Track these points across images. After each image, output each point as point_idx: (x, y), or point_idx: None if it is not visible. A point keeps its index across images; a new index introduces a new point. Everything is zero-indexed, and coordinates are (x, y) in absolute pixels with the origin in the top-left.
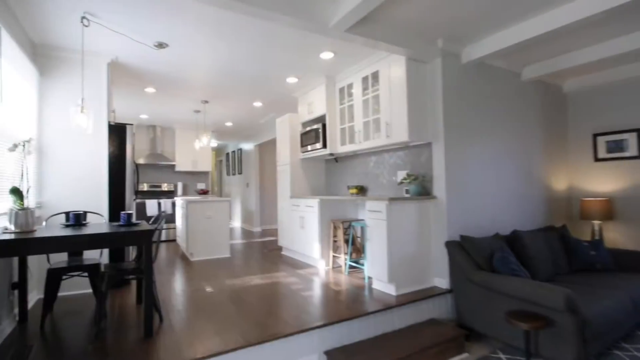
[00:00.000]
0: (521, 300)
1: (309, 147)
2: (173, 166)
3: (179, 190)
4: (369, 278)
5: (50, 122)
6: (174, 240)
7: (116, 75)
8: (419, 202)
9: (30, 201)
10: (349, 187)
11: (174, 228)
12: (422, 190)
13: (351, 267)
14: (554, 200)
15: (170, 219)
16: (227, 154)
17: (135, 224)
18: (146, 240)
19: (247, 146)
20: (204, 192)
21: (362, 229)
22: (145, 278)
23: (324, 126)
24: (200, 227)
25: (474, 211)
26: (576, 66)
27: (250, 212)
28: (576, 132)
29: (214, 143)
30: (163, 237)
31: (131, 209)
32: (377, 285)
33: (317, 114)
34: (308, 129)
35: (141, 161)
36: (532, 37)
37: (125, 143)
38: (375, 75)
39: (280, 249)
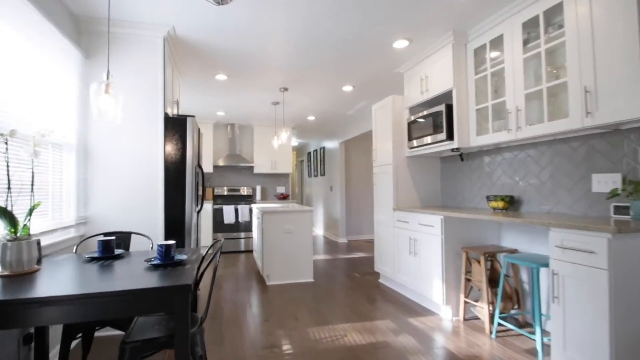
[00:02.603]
0: None
1: (416, 142)
2: (252, 168)
3: (258, 195)
4: None
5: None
6: (252, 251)
7: (179, 56)
8: None
9: (70, 216)
10: (489, 199)
11: (252, 237)
12: None
13: (500, 324)
14: None
15: (249, 226)
16: (309, 153)
17: (177, 263)
18: (179, 303)
19: (331, 144)
20: (283, 197)
21: (514, 267)
22: None
23: (448, 108)
24: (277, 243)
25: None
26: None
27: (335, 220)
28: None
29: (295, 142)
30: (242, 248)
31: (191, 223)
32: None
33: (436, 91)
34: (420, 115)
35: (220, 163)
36: None
37: (185, 140)
38: (551, 15)
39: (376, 275)
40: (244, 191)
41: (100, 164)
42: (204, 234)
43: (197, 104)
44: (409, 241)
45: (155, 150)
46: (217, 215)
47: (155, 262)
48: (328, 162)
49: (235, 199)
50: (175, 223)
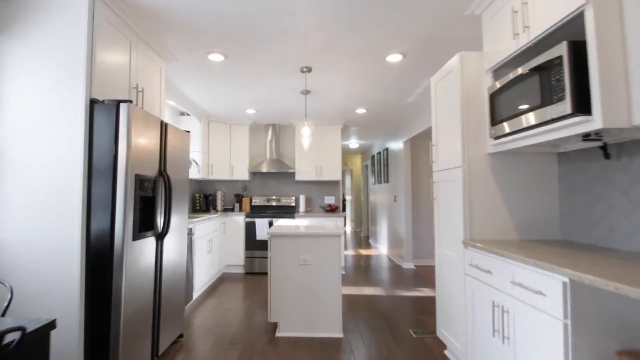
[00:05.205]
0: None
1: (507, 126)
2: (294, 174)
3: (301, 205)
4: None
5: (11, 108)
6: None
7: (145, 29)
8: None
9: None
10: None
11: None
12: None
13: None
14: None
15: None
16: (372, 156)
17: None
18: None
19: (395, 144)
20: (331, 209)
21: None
22: None
23: (574, 50)
24: (290, 279)
25: None
26: None
27: (399, 238)
28: None
29: (355, 143)
30: None
31: (124, 254)
32: None
33: (547, 24)
34: (515, 75)
35: (259, 169)
36: None
37: (117, 135)
38: None
39: (440, 343)
40: (286, 201)
41: (11, 171)
42: (235, 253)
43: (218, 102)
44: (493, 310)
45: (71, 149)
46: (250, 229)
47: None
48: (392, 167)
49: (274, 210)
50: (101, 255)
